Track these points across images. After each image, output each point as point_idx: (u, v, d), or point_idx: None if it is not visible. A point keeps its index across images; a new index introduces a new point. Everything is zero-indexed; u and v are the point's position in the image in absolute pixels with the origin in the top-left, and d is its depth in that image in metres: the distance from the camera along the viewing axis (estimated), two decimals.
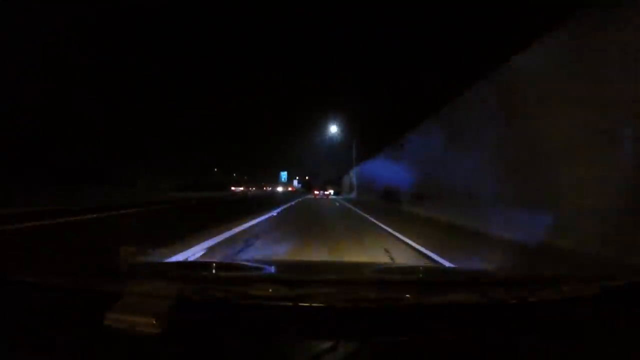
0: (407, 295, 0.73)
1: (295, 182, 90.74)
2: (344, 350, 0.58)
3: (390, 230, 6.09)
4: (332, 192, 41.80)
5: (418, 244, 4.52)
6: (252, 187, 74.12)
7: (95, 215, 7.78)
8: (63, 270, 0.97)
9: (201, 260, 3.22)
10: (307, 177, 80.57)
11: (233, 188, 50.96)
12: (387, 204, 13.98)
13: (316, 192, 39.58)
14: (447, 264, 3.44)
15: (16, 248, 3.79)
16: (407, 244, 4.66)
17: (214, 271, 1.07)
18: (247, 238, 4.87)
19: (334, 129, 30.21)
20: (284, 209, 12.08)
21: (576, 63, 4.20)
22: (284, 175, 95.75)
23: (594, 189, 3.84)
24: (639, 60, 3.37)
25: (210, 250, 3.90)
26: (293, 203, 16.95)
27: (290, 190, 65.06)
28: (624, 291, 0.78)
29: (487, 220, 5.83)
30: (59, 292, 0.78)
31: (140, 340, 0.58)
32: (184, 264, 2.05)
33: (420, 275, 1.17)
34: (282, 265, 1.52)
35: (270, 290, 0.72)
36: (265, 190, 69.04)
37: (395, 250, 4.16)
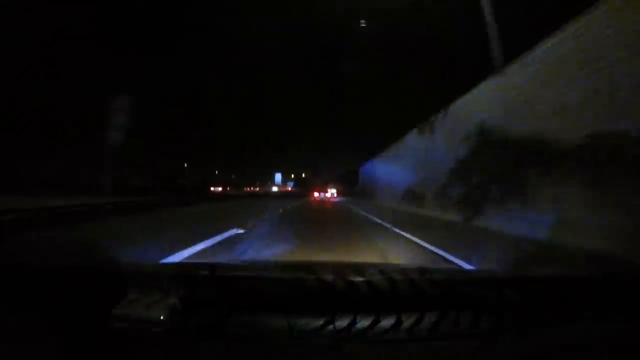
0: (406, 297, 0.75)
1: (278, 178, 78.29)
2: (343, 351, 0.62)
3: None
4: (334, 192, 35.52)
5: None
6: (247, 188, 69.25)
7: None
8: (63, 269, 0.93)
9: (200, 261, 3.08)
10: (303, 175, 66.77)
11: (212, 189, 47.22)
12: None
13: (316, 195, 33.47)
14: None
15: None
16: None
17: (213, 272, 1.04)
18: None
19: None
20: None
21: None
22: (278, 177, 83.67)
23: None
24: None
25: None
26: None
27: (289, 191, 61.28)
28: (628, 291, 0.79)
29: None
30: (59, 290, 0.78)
31: (141, 340, 0.62)
32: (183, 265, 2.00)
33: (420, 276, 1.12)
34: (283, 266, 1.51)
35: (270, 290, 0.76)
36: (251, 191, 64.72)
37: None
